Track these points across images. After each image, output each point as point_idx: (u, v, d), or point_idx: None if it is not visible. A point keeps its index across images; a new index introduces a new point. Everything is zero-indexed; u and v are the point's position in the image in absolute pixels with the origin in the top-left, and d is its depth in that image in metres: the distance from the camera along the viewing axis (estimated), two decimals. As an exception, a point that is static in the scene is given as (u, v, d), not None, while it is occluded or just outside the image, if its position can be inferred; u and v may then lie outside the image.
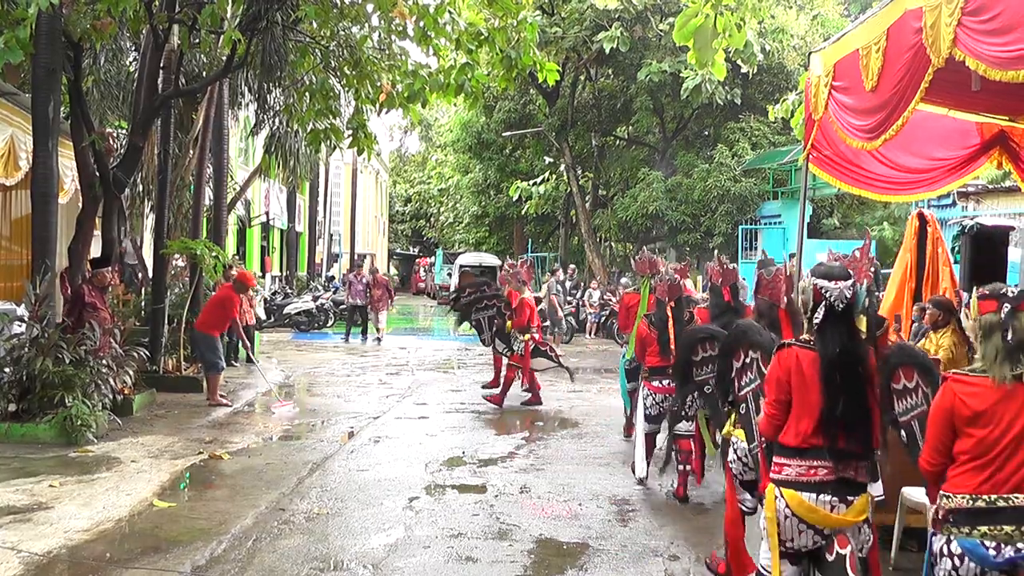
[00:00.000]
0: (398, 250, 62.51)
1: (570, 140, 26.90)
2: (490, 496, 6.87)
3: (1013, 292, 3.29)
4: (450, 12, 9.58)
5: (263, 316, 19.16)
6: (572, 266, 26.30)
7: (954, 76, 5.74)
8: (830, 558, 3.54)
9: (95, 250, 10.58)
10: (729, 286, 5.84)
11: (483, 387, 12.13)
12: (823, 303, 3.63)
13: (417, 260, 54.56)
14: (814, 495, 3.54)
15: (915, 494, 5.22)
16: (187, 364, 11.74)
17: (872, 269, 4.38)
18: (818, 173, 8.98)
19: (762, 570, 3.87)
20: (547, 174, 31.18)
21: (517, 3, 10.02)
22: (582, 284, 24.32)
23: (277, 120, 15.92)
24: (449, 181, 45.36)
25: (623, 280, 20.54)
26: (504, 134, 29.09)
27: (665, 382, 6.90)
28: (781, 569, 3.65)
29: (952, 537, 3.18)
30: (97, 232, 10.80)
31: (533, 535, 5.89)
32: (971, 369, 3.31)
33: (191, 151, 13.81)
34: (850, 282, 3.67)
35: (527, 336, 11.00)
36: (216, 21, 9.74)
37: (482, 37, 9.65)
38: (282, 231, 30.00)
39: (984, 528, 3.10)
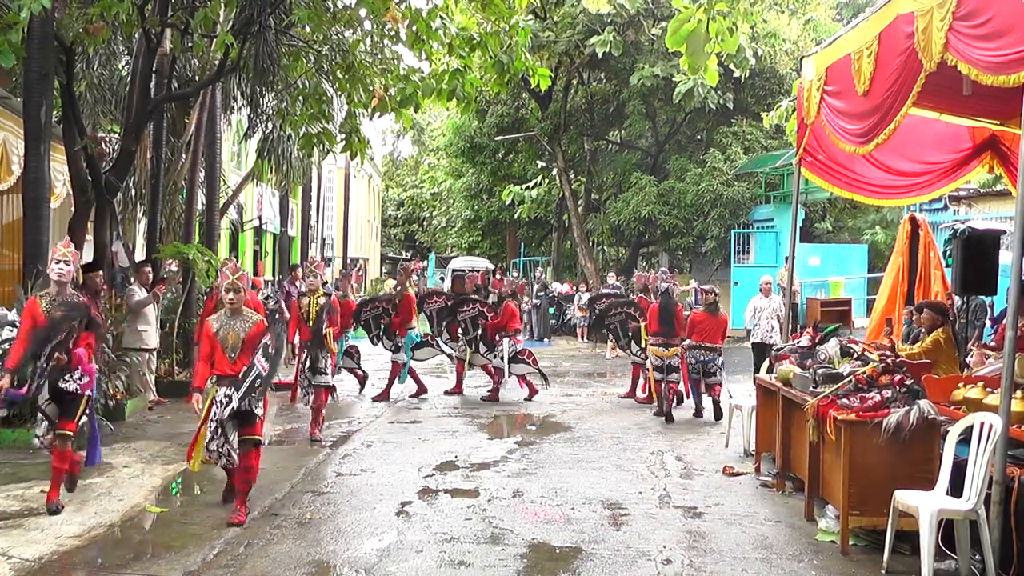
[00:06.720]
0: (391, 254, 62.48)
1: (563, 144, 26.90)
2: (483, 500, 6.87)
3: (708, 290, 10.85)
4: (442, 16, 9.58)
5: None
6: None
7: (946, 80, 5.78)
8: (652, 364, 10.65)
9: (87, 255, 10.54)
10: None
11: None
12: (660, 286, 11.09)
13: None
14: (660, 347, 10.40)
15: (907, 497, 5.22)
16: (179, 369, 11.70)
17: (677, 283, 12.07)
18: (810, 177, 9.04)
19: (654, 379, 10.67)
20: (540, 178, 31.13)
21: (509, 7, 10.03)
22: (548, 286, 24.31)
23: (270, 124, 15.92)
24: (442, 185, 45.32)
25: (611, 282, 20.67)
26: (496, 138, 29.05)
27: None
28: (656, 376, 10.59)
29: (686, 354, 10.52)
30: (89, 237, 10.77)
31: (526, 539, 5.89)
32: (698, 309, 10.88)
33: (184, 155, 13.79)
34: (666, 282, 11.07)
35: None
36: (209, 25, 9.74)
37: (474, 41, 9.66)
38: (275, 235, 29.93)
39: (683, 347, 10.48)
